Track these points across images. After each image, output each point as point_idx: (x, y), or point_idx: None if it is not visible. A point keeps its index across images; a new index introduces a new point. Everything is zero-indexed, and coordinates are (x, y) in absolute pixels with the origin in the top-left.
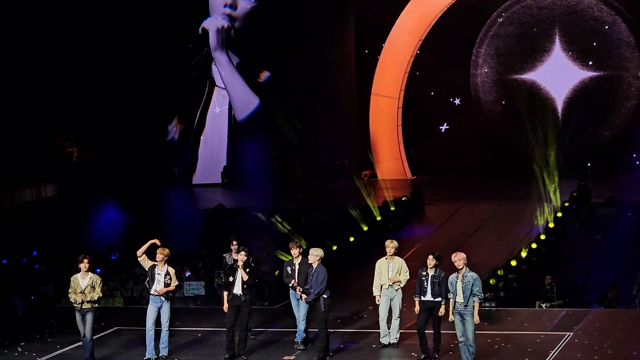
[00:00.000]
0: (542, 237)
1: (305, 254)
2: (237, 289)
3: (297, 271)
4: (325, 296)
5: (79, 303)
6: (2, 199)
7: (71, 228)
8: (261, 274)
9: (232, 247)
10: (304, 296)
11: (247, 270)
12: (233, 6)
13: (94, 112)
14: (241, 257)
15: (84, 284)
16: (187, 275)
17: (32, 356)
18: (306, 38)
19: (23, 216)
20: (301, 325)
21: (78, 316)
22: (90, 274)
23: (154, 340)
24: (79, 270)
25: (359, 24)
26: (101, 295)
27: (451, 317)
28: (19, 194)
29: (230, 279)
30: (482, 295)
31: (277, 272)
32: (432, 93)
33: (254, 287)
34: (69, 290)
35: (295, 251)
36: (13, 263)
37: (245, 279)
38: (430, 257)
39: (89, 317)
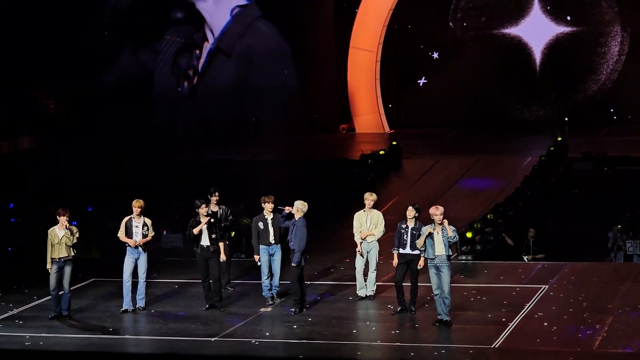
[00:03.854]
0: (519, 191)
1: (276, 210)
2: (205, 241)
3: (270, 225)
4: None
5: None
6: None
7: (48, 181)
8: (238, 226)
9: (212, 197)
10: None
11: (214, 227)
12: None
13: (71, 63)
14: (203, 210)
15: (61, 235)
16: (164, 234)
17: (9, 307)
18: None
19: None
20: (274, 280)
21: (55, 267)
22: (70, 226)
23: (131, 291)
24: (56, 223)
25: None
26: (76, 242)
27: (420, 264)
28: None
29: (196, 230)
30: (457, 237)
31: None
32: (410, 47)
33: (230, 238)
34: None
35: (268, 206)
36: None
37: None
38: (410, 208)
39: (68, 269)
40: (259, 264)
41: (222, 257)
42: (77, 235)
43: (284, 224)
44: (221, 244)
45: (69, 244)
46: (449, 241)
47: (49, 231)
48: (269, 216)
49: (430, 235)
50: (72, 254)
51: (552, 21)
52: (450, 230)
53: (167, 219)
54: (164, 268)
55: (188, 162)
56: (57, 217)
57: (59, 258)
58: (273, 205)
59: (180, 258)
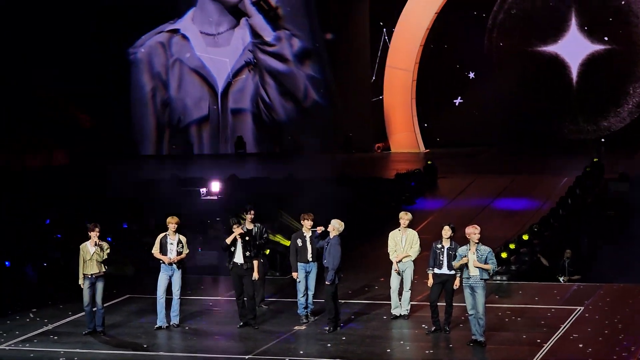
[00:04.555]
0: (555, 211)
1: (315, 227)
2: (239, 258)
3: (308, 243)
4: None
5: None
6: (14, 164)
7: (83, 196)
8: (273, 245)
9: (247, 215)
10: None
11: (248, 245)
12: None
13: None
14: (238, 229)
15: (92, 251)
16: (199, 251)
17: (43, 322)
18: (323, 10)
19: (34, 182)
20: (309, 298)
21: (87, 283)
22: (102, 242)
23: (164, 308)
24: (88, 238)
25: None
26: (107, 258)
27: (456, 284)
28: (30, 159)
29: (232, 248)
30: (496, 267)
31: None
32: (447, 66)
33: (264, 256)
34: (84, 257)
35: (307, 223)
36: (25, 230)
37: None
38: (446, 227)
39: (100, 285)
40: (298, 280)
41: (255, 276)
42: (107, 251)
43: (318, 244)
44: (255, 262)
45: (100, 260)
46: (488, 273)
47: (80, 247)
48: (308, 233)
49: (463, 256)
50: (104, 270)
51: (589, 40)
52: (488, 266)
53: (203, 236)
54: (198, 285)
55: (225, 180)
56: (89, 232)
57: (91, 274)
58: (312, 222)
59: (215, 275)
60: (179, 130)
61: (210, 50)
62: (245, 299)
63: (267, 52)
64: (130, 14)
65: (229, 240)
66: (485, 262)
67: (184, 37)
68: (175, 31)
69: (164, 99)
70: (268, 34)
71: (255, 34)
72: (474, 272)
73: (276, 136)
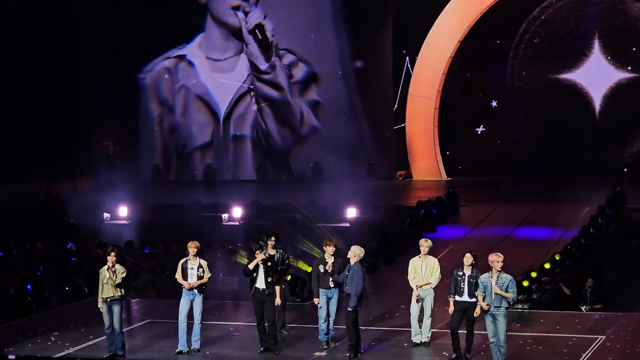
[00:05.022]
0: (577, 240)
1: (338, 254)
2: (260, 284)
3: (330, 269)
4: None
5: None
6: (38, 191)
7: (104, 222)
8: (294, 270)
9: (269, 241)
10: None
11: (270, 271)
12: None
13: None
14: (260, 255)
15: (108, 275)
16: (220, 276)
17: (65, 346)
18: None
19: (58, 208)
20: (330, 324)
21: (105, 307)
22: (117, 266)
23: (186, 333)
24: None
25: (396, 23)
26: (121, 282)
27: (478, 310)
28: (55, 186)
29: (254, 274)
30: (516, 296)
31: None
32: (469, 94)
33: (286, 282)
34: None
35: (330, 249)
36: (47, 254)
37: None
38: (468, 255)
39: (116, 309)
40: (319, 306)
41: (277, 301)
42: (122, 274)
43: (338, 279)
44: (277, 288)
45: (114, 283)
46: (509, 302)
47: (100, 271)
48: (330, 260)
49: (486, 284)
50: (119, 293)
51: (613, 68)
52: (509, 295)
53: (224, 262)
54: (219, 310)
55: (247, 206)
56: (106, 256)
57: (106, 298)
58: (335, 248)
59: (236, 301)
60: (185, 157)
61: (215, 76)
62: (266, 324)
63: (262, 80)
64: (139, 40)
65: (251, 266)
66: (506, 291)
67: (190, 63)
68: (182, 57)
69: (171, 124)
70: (262, 63)
71: (251, 62)
72: (495, 300)
73: (280, 163)
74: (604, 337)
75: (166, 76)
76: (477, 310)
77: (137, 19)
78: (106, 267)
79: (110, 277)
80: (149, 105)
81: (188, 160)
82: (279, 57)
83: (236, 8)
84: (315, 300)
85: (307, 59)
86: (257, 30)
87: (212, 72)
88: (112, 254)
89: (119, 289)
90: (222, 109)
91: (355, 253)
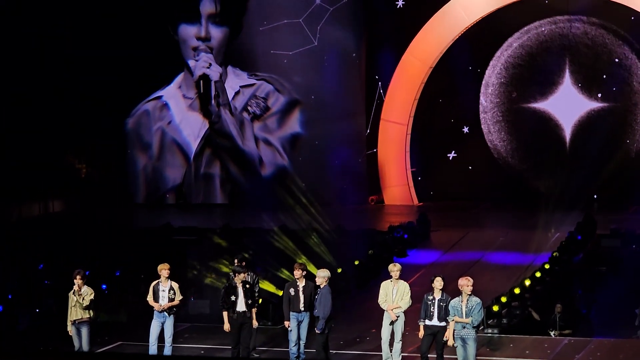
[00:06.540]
0: (547, 266)
1: (308, 277)
2: (241, 306)
3: (300, 293)
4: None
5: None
6: (10, 213)
7: (77, 244)
8: (266, 294)
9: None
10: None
11: (249, 293)
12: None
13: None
14: (240, 277)
15: (75, 297)
16: (191, 300)
17: None
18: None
19: (30, 230)
20: (300, 347)
21: (74, 330)
22: (84, 288)
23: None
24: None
25: (370, 48)
26: (89, 304)
27: (451, 341)
28: (26, 209)
29: (233, 297)
30: (479, 320)
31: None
32: (441, 120)
33: (257, 306)
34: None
35: (298, 272)
36: (18, 277)
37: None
38: (438, 278)
39: (84, 331)
40: (290, 330)
41: (255, 324)
42: (90, 297)
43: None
44: (253, 310)
45: (81, 306)
46: (472, 325)
47: (69, 294)
48: (301, 283)
49: (456, 308)
50: (88, 315)
51: (584, 97)
52: (467, 320)
53: (196, 285)
54: (190, 333)
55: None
56: (73, 279)
57: (74, 320)
58: (304, 272)
59: (207, 324)
60: (157, 198)
61: (187, 115)
62: (240, 348)
63: (213, 129)
64: (128, 83)
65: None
66: (470, 313)
67: (165, 105)
68: (159, 98)
69: (152, 165)
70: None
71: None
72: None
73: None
74: None
75: (143, 120)
76: (447, 335)
77: (125, 59)
78: (72, 291)
79: (78, 300)
80: (133, 152)
81: (161, 202)
82: (229, 105)
83: (194, 50)
84: (286, 323)
85: (282, 88)
86: (201, 81)
87: (187, 111)
88: (78, 277)
89: (87, 311)
90: (194, 148)
91: (321, 276)
